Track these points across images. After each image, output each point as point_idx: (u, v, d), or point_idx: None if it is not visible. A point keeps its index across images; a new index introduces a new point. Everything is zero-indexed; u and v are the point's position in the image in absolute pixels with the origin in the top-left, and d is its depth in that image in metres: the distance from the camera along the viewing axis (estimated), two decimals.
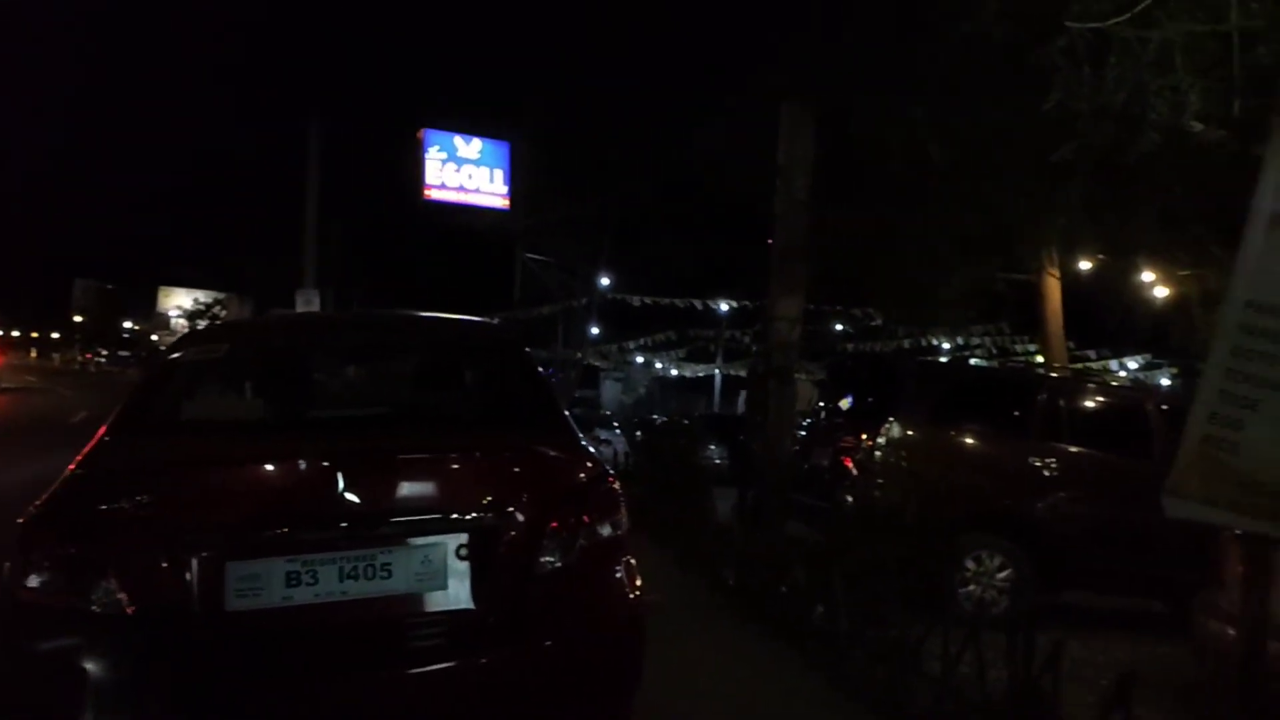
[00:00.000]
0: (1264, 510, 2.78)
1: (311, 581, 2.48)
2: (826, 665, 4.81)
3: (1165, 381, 25.02)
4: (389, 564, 2.54)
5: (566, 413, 3.25)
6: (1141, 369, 26.58)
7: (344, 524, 2.53)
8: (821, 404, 8.92)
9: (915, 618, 4.53)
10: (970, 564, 6.59)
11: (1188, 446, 2.78)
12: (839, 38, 8.43)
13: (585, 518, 2.74)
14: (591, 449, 3.10)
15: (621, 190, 19.56)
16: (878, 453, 6.85)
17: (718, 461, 16.51)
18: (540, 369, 3.60)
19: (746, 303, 25.59)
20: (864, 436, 7.08)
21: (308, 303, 16.77)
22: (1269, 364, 2.74)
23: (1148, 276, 11.29)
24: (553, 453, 2.94)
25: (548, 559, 2.66)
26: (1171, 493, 2.80)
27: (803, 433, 8.71)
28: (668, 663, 4.53)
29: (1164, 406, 7.12)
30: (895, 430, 6.90)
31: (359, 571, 2.52)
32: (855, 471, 6.96)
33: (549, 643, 2.65)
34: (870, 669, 4.49)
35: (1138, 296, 11.57)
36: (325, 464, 2.55)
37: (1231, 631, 3.92)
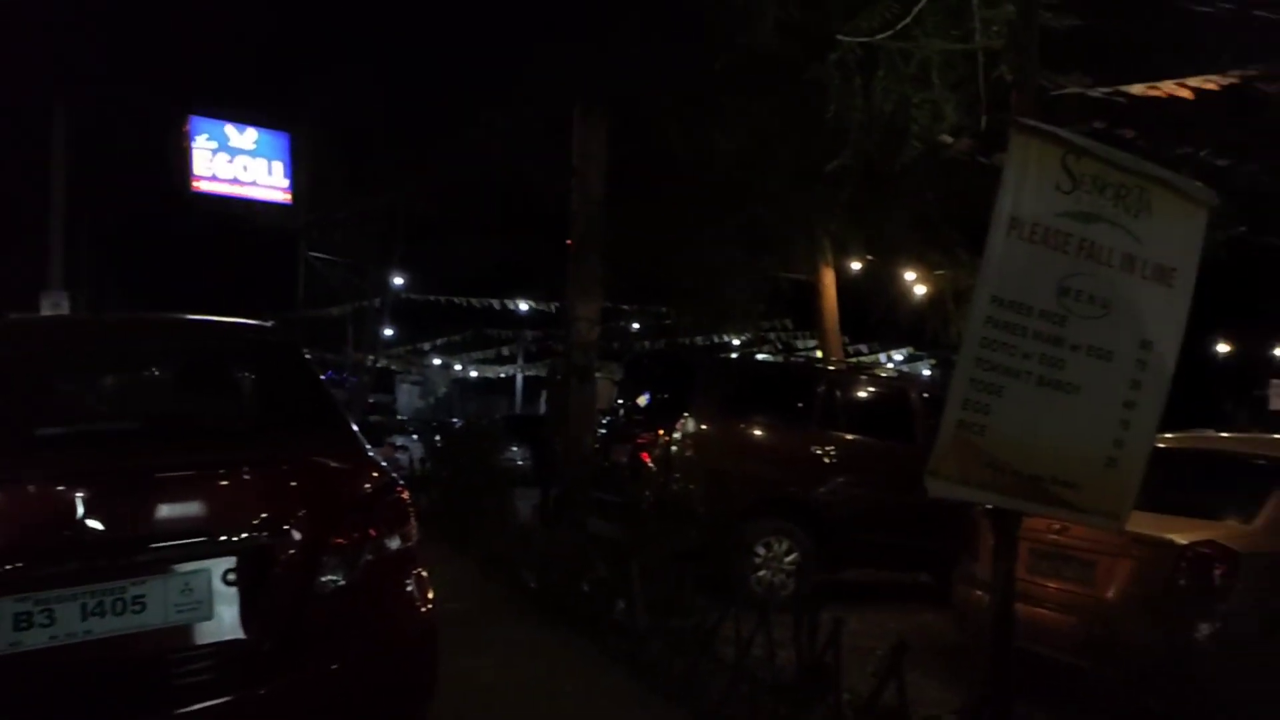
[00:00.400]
0: (1008, 487, 3.08)
1: (46, 622, 2.19)
2: (628, 659, 4.87)
3: (926, 372, 27.52)
4: (142, 596, 2.28)
5: (349, 419, 3.06)
6: (905, 361, 29.08)
7: (86, 554, 2.25)
8: (620, 401, 9.04)
9: (711, 605, 4.69)
10: (761, 550, 6.90)
11: (945, 431, 3.02)
12: (625, 46, 8.57)
13: (371, 531, 2.59)
14: (378, 457, 2.94)
15: (413, 186, 18.90)
16: (674, 447, 7.03)
17: (520, 463, 16.39)
18: (319, 373, 3.38)
19: (546, 306, 25.55)
20: (660, 432, 7.24)
21: (55, 306, 15.00)
22: (1009, 354, 3.02)
23: (909, 275, 12.34)
24: (333, 463, 2.76)
25: (330, 577, 2.50)
26: (932, 474, 3.03)
27: (603, 431, 8.79)
28: (469, 671, 4.42)
29: (925, 395, 7.79)
30: (690, 425, 7.10)
31: (105, 607, 2.24)
32: (653, 466, 7.10)
33: (334, 666, 2.50)
34: (669, 659, 4.59)
35: (901, 294, 12.62)
36: (60, 487, 2.25)
37: (983, 596, 4.34)
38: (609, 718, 4.28)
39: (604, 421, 8.90)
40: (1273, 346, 27.29)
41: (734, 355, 11.47)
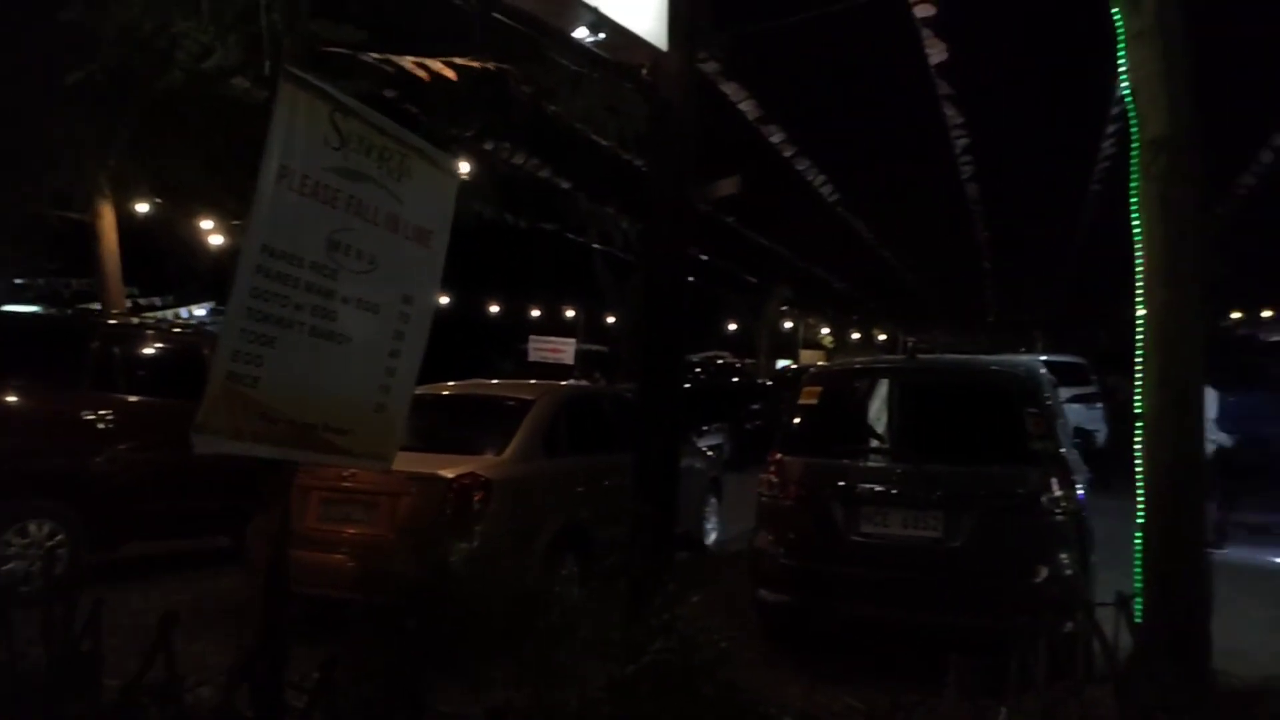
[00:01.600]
0: (283, 437, 3.09)
1: None
2: None
3: None
4: None
5: None
6: (210, 316, 27.37)
7: None
8: None
9: None
10: (14, 538, 5.80)
11: (213, 384, 2.89)
12: None
13: None
14: None
15: None
16: None
17: None
18: None
19: None
20: None
21: None
22: (282, 305, 3.02)
23: (208, 224, 11.57)
24: None
25: None
26: (199, 429, 2.88)
27: None
28: None
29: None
30: None
31: None
32: None
33: None
34: None
35: (201, 243, 11.79)
36: None
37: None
38: None
39: None
40: (532, 308, 32.93)
41: None
